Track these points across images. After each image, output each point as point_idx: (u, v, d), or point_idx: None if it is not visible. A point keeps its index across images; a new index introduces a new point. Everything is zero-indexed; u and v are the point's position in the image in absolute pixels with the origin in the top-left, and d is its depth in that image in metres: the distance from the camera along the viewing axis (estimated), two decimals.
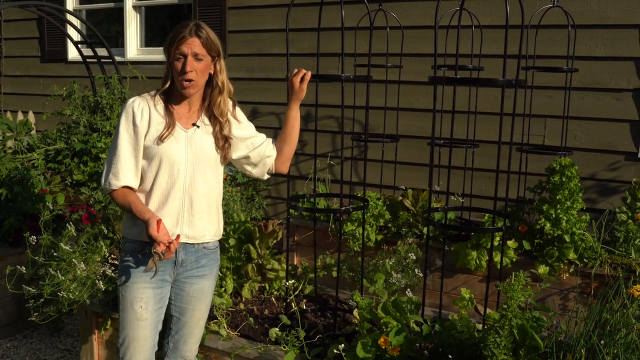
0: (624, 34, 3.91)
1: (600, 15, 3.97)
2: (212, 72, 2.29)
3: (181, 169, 2.25)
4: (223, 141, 2.33)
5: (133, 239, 2.29)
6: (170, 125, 2.24)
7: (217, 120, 2.32)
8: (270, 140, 2.51)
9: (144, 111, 2.25)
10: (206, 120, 2.33)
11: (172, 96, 2.30)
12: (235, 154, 2.42)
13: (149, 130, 2.24)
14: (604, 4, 3.95)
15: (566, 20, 3.65)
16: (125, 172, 2.22)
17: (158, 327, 2.37)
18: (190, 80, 2.21)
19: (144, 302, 2.28)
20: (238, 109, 2.43)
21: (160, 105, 2.28)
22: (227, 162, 2.39)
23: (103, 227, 3.00)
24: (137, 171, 2.25)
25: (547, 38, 4.04)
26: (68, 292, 2.46)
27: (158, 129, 2.24)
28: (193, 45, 2.19)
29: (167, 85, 2.28)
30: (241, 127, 2.41)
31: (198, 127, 2.30)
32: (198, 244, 2.33)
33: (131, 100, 2.28)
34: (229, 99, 2.37)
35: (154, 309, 2.31)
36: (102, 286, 2.47)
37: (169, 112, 2.27)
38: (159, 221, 2.13)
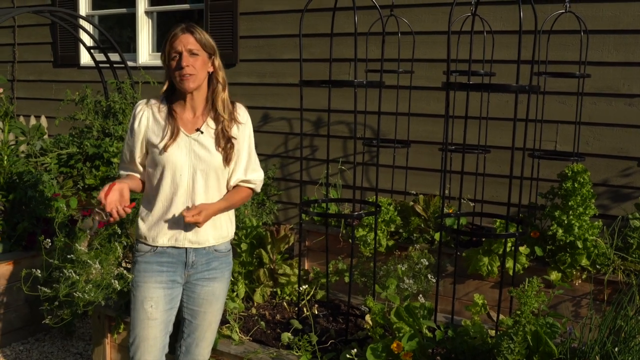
0: (637, 39, 3.89)
1: (612, 21, 3.96)
2: (210, 70, 2.30)
3: (184, 175, 2.26)
4: (225, 141, 2.30)
5: (144, 241, 2.32)
6: (173, 133, 2.26)
7: (220, 119, 2.30)
8: (239, 177, 2.38)
9: (142, 117, 2.30)
10: (211, 123, 2.31)
11: (176, 102, 2.32)
12: None
13: (147, 135, 2.29)
14: (617, 9, 3.94)
15: (578, 25, 3.65)
16: (127, 168, 2.39)
17: (168, 328, 2.39)
18: (189, 74, 2.20)
19: (155, 301, 2.30)
20: (238, 106, 2.38)
21: (164, 112, 2.30)
22: (229, 164, 2.33)
23: (117, 228, 3.02)
24: (139, 167, 2.36)
25: (559, 43, 4.03)
26: (83, 293, 2.48)
27: (159, 135, 2.27)
28: (186, 42, 2.21)
29: (167, 87, 2.30)
30: (239, 130, 2.35)
31: (202, 132, 2.29)
32: (208, 247, 2.35)
33: (138, 103, 2.36)
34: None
35: (164, 309, 2.33)
36: (117, 286, 2.48)
37: (172, 119, 2.28)
38: (111, 185, 2.16)
